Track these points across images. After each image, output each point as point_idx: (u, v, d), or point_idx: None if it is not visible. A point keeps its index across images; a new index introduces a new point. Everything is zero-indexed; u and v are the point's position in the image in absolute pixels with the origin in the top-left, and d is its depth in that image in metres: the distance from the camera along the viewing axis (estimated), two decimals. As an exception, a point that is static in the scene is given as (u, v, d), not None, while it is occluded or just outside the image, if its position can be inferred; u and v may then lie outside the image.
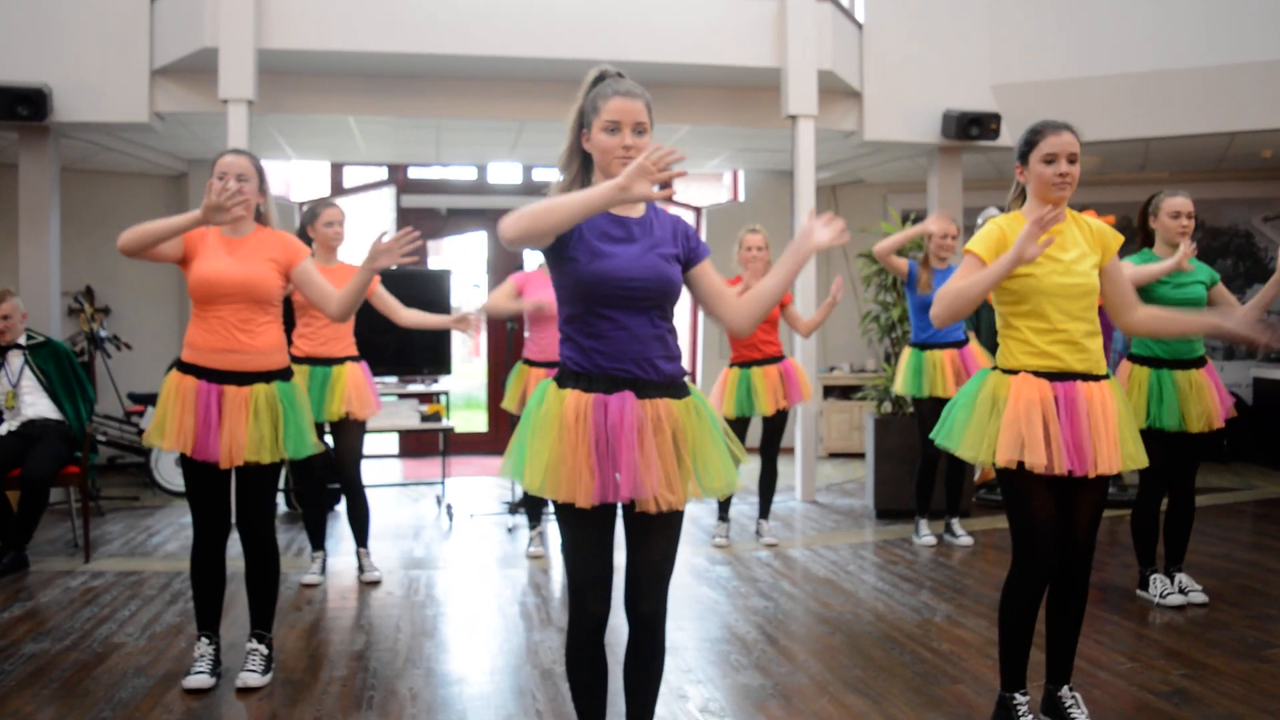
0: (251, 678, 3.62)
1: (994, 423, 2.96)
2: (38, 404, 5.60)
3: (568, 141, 2.55)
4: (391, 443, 10.16)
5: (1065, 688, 3.12)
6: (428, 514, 7.13)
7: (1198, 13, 7.57)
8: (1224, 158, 8.94)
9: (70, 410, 5.64)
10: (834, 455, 9.79)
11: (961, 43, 7.97)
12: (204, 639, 3.68)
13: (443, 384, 7.50)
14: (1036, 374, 2.95)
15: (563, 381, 2.46)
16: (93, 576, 5.23)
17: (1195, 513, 4.66)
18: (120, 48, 6.90)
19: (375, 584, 5.12)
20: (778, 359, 5.83)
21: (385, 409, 7.16)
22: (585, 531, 2.45)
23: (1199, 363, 4.43)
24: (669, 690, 3.59)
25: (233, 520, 3.68)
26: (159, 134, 7.52)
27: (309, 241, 4.95)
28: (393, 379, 7.41)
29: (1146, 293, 4.27)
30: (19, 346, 5.64)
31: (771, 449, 5.92)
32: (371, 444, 9.98)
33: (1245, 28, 7.44)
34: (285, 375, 3.63)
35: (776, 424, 5.87)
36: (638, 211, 2.53)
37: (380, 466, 9.53)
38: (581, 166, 2.55)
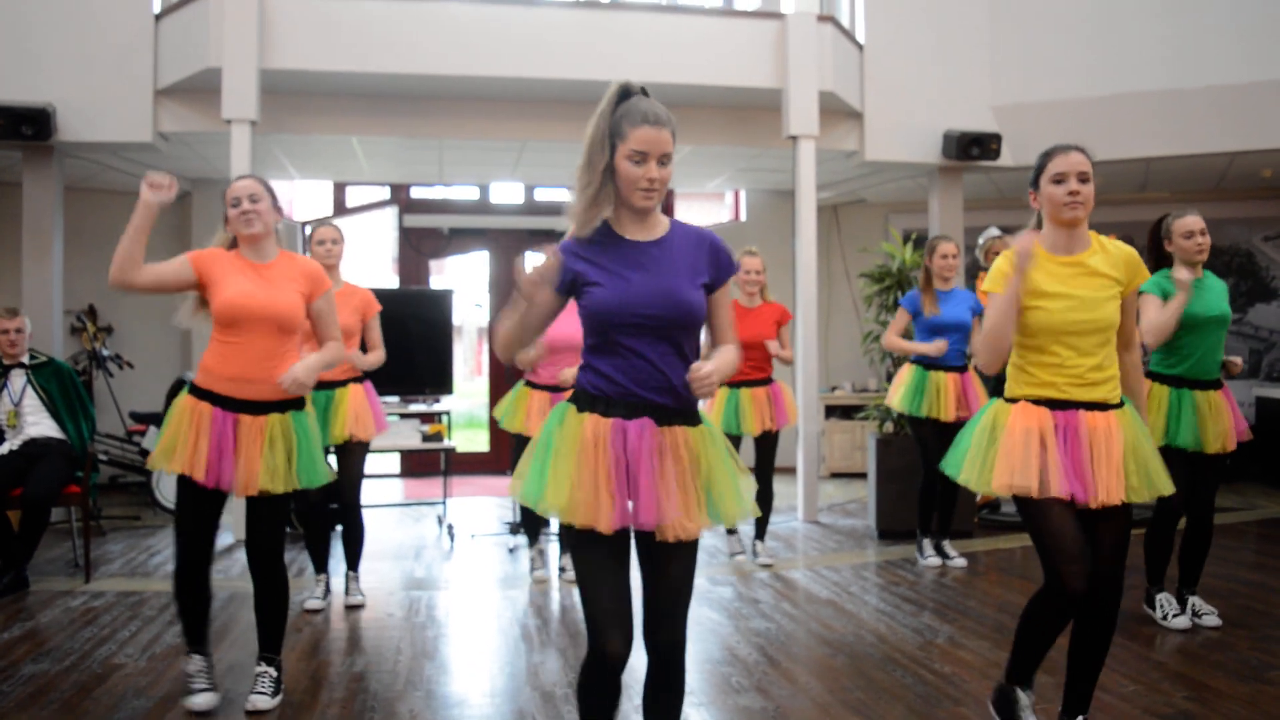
0: (261, 700, 3.60)
1: (991, 450, 2.94)
2: (40, 423, 5.60)
3: (590, 160, 2.38)
4: (393, 462, 10.15)
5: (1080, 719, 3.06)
6: (429, 534, 7.12)
7: (1198, 32, 7.60)
8: (1224, 177, 8.96)
9: (72, 429, 5.64)
10: (836, 475, 9.78)
11: (962, 63, 8.00)
12: (197, 655, 3.64)
13: (444, 404, 7.50)
14: (1036, 402, 2.94)
15: (580, 405, 2.41)
16: (93, 597, 5.21)
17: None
18: (124, 68, 6.93)
19: (358, 607, 5.07)
20: (767, 381, 5.85)
21: (387, 429, 7.16)
22: (603, 560, 2.36)
23: (1216, 384, 4.41)
24: (670, 712, 3.58)
25: (216, 546, 3.68)
26: (162, 154, 7.55)
27: None
28: (394, 399, 7.41)
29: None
30: (22, 366, 5.65)
31: (766, 470, 5.91)
32: (373, 464, 9.95)
33: (1246, 47, 7.47)
34: (299, 404, 3.63)
35: (768, 445, 5.90)
36: (657, 233, 2.46)
37: (381, 486, 9.52)
38: (603, 185, 2.39)
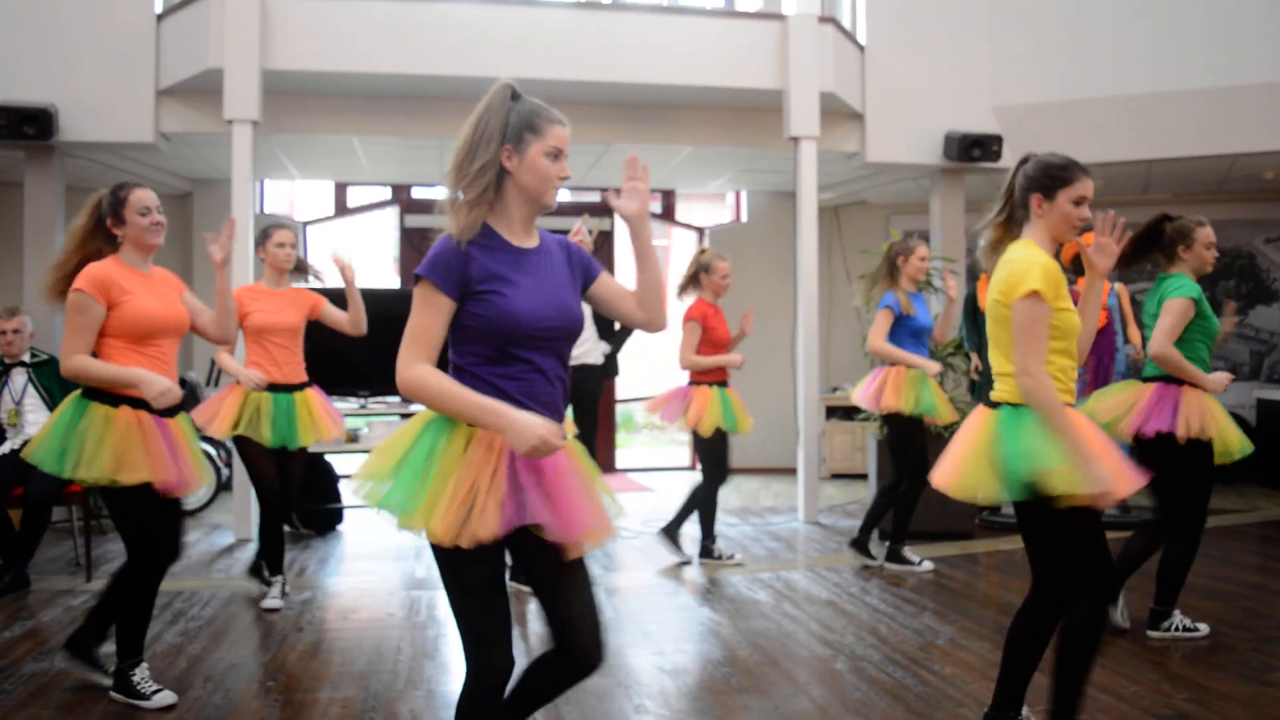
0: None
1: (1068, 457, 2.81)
2: (41, 422, 5.59)
3: (477, 156, 2.29)
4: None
5: None
6: (429, 534, 7.11)
7: (1199, 35, 7.61)
8: (1226, 179, 8.96)
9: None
10: (836, 476, 9.78)
11: (963, 65, 8.00)
12: (144, 664, 3.66)
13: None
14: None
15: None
16: (94, 595, 5.20)
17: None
18: (126, 68, 6.94)
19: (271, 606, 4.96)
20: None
21: (388, 429, 7.17)
22: (483, 575, 2.24)
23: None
24: (670, 713, 3.58)
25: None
26: (164, 154, 7.56)
27: (260, 263, 5.05)
28: (395, 399, 7.40)
29: (1206, 325, 4.22)
30: (23, 364, 5.65)
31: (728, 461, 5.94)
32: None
33: (1247, 50, 7.47)
34: (182, 406, 3.78)
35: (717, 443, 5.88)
36: (535, 240, 2.39)
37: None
38: (491, 184, 2.30)
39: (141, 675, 3.62)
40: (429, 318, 2.24)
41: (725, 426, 5.72)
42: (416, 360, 2.24)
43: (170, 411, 3.61)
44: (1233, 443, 4.20)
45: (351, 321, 4.96)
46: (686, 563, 5.99)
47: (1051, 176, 2.95)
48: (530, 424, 2.13)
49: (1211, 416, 4.14)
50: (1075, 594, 2.93)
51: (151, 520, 3.57)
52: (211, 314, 3.81)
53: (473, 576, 2.24)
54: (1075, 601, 2.94)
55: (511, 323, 2.24)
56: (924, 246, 5.78)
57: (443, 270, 2.24)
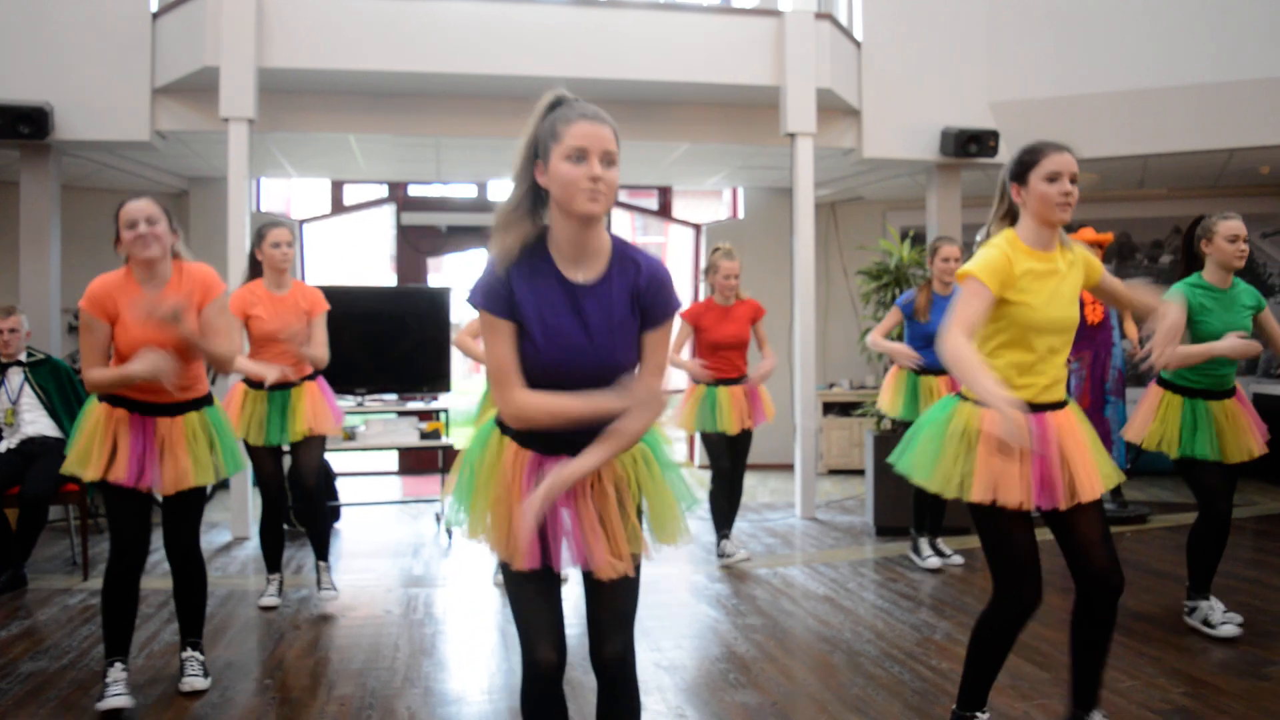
0: (198, 681, 3.75)
1: (968, 459, 2.82)
2: (37, 421, 5.60)
3: (515, 174, 2.21)
4: (391, 460, 10.15)
5: (1098, 714, 3.01)
6: (427, 531, 7.12)
7: (1196, 30, 7.61)
8: (1222, 174, 8.96)
9: (70, 427, 5.63)
10: (833, 472, 9.78)
11: (959, 60, 8.01)
12: (118, 664, 3.56)
13: (442, 401, 7.50)
14: None
15: (504, 426, 2.28)
16: (91, 594, 5.21)
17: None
18: (122, 66, 6.93)
19: (329, 612, 4.92)
20: (742, 379, 5.78)
21: (385, 426, 7.17)
22: (529, 580, 2.24)
23: (1230, 393, 4.34)
24: (667, 709, 3.59)
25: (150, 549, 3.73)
26: (160, 152, 7.55)
27: (258, 264, 4.88)
28: (392, 396, 7.41)
29: (1195, 328, 4.22)
30: (19, 364, 5.65)
31: (739, 468, 5.88)
32: (371, 461, 10.01)
33: (1243, 45, 7.47)
34: (209, 401, 3.74)
35: (743, 443, 5.83)
36: (596, 270, 2.21)
37: (380, 484, 9.52)
38: (530, 201, 2.20)
39: (114, 676, 3.52)
40: (497, 345, 2.18)
41: (704, 426, 5.65)
42: (509, 390, 2.18)
43: (178, 409, 3.57)
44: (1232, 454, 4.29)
45: (311, 358, 4.87)
46: (746, 559, 5.92)
47: (1021, 162, 2.94)
48: (638, 394, 2.14)
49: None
50: (1000, 594, 2.90)
51: (122, 515, 3.56)
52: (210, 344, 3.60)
53: (517, 573, 2.23)
54: (1082, 592, 2.91)
55: (533, 365, 2.19)
56: (948, 245, 5.62)
57: (489, 296, 2.19)
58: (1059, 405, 2.92)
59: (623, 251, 2.25)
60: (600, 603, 2.30)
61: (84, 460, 3.51)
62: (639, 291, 2.22)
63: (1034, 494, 2.80)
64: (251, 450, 4.87)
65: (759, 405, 5.78)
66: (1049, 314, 2.85)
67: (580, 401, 2.13)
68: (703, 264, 9.95)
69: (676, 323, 4.82)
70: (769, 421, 5.92)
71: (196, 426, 3.64)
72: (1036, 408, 2.83)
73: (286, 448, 4.97)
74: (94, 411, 3.55)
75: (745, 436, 5.83)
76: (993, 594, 2.94)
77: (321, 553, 5.08)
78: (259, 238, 4.87)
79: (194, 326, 3.52)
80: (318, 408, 4.94)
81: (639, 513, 2.31)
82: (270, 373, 4.63)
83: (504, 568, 2.28)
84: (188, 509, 3.75)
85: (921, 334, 5.57)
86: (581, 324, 2.19)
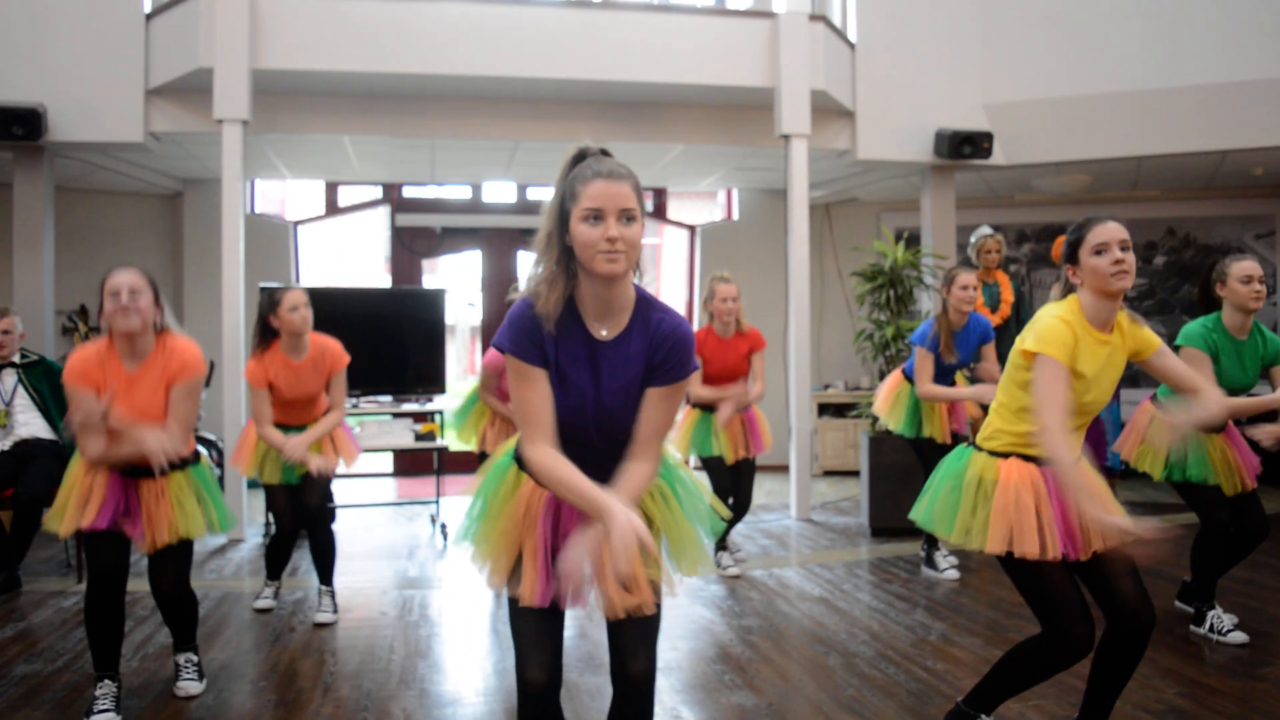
0: (192, 686, 3.75)
1: (984, 508, 2.86)
2: (31, 423, 5.59)
3: (546, 233, 2.17)
4: (386, 462, 10.14)
5: None
6: (422, 533, 7.11)
7: (1190, 31, 7.63)
8: (1216, 175, 8.99)
9: (64, 429, 5.62)
10: (829, 473, 9.79)
11: (953, 62, 8.02)
12: (107, 679, 3.53)
13: (437, 403, 7.50)
14: (1025, 459, 2.88)
15: (522, 461, 2.27)
16: (85, 597, 5.19)
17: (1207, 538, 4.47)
18: (115, 68, 6.92)
19: (326, 625, 4.78)
20: (741, 408, 5.54)
21: (380, 428, 7.16)
22: (533, 608, 2.25)
23: (1221, 428, 4.32)
24: (663, 711, 3.59)
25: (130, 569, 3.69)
26: (154, 154, 7.53)
27: (272, 330, 4.70)
28: (387, 398, 7.41)
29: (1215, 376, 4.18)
30: (13, 365, 5.63)
31: (744, 495, 5.64)
32: (366, 463, 9.99)
33: (1237, 46, 7.49)
34: (195, 459, 3.69)
35: (745, 472, 5.60)
36: (618, 327, 2.21)
37: (374, 485, 9.51)
38: (562, 257, 2.17)
39: (101, 691, 3.49)
40: (528, 391, 2.16)
41: (701, 450, 5.51)
42: (532, 443, 2.17)
43: (162, 469, 3.45)
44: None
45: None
46: (742, 560, 5.88)
47: (1070, 245, 2.96)
48: (626, 530, 2.01)
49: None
50: (1051, 635, 2.85)
51: (93, 551, 3.53)
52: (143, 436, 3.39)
53: (517, 601, 2.26)
54: (1112, 628, 2.88)
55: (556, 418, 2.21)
56: (966, 274, 5.36)
57: (521, 343, 2.17)
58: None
59: (647, 308, 2.24)
60: (623, 625, 2.26)
61: (59, 516, 3.48)
62: (655, 348, 2.21)
63: (1059, 543, 2.79)
64: (267, 486, 4.83)
65: (757, 434, 5.60)
66: (1084, 399, 2.86)
67: (591, 490, 2.10)
68: (698, 269, 10.00)
69: None
70: (766, 450, 5.73)
71: (182, 484, 3.58)
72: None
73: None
74: (74, 470, 3.53)
75: (747, 466, 5.61)
76: (1043, 633, 2.88)
77: (325, 578, 4.92)
78: (273, 304, 4.65)
79: (159, 402, 3.46)
80: (340, 441, 4.90)
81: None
82: (295, 454, 4.59)
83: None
84: (173, 556, 3.62)
85: (942, 370, 5.43)
86: (594, 376, 2.19)
